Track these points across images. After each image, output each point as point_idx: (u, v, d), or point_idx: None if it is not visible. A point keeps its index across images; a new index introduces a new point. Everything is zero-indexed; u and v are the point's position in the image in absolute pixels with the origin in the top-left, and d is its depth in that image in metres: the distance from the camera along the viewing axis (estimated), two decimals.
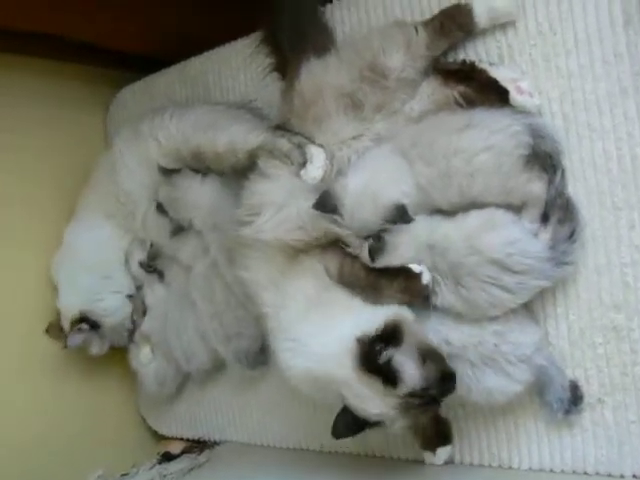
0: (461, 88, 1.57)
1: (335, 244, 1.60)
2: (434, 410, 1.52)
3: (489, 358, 1.48)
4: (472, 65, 1.58)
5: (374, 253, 1.53)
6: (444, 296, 1.49)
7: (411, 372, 1.39)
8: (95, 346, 2.14)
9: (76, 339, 2.07)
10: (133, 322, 2.18)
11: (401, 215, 1.50)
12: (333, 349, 1.44)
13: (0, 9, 1.80)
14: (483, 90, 1.56)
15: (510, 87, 1.52)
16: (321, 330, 1.49)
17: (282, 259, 1.64)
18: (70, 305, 2.07)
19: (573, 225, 1.45)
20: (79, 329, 2.06)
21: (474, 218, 1.48)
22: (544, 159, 1.45)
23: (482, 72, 1.56)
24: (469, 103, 1.57)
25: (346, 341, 1.41)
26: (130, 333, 2.19)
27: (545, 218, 1.46)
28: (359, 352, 1.40)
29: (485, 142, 1.45)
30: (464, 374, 1.49)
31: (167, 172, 1.97)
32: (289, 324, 1.55)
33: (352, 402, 1.42)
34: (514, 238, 1.43)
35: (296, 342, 1.52)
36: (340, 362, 1.42)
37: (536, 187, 1.45)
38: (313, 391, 1.53)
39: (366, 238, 1.54)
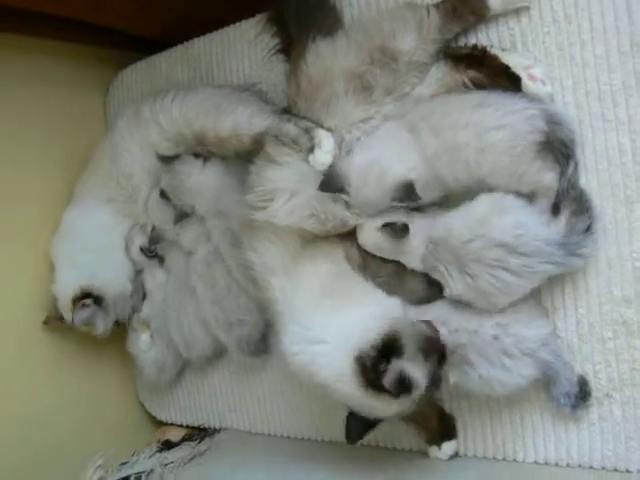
0: (471, 73, 1.55)
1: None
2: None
3: (483, 349, 1.46)
4: (484, 50, 1.55)
5: (391, 233, 1.52)
6: (452, 287, 1.47)
7: (419, 374, 1.39)
8: (100, 323, 2.06)
9: (82, 315, 2.01)
10: (135, 297, 2.15)
11: (409, 193, 1.49)
12: (335, 360, 1.42)
13: None
14: (494, 76, 1.53)
15: (522, 74, 1.49)
16: (326, 326, 1.47)
17: (295, 243, 1.62)
18: (68, 284, 2.02)
19: (590, 218, 1.42)
20: (83, 304, 2.01)
21: (482, 204, 1.46)
22: (558, 148, 1.41)
23: (494, 58, 1.53)
24: (479, 88, 1.54)
25: (346, 354, 1.40)
26: (133, 307, 2.15)
27: (556, 209, 1.43)
28: (362, 373, 1.38)
29: (499, 121, 1.43)
30: (460, 360, 1.49)
31: (166, 159, 1.93)
32: (298, 310, 1.53)
33: (361, 412, 1.45)
34: (523, 221, 1.41)
35: (302, 331, 1.49)
36: (344, 380, 1.41)
37: (547, 177, 1.42)
38: (312, 384, 1.52)
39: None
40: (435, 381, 1.44)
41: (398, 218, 1.53)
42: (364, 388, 1.39)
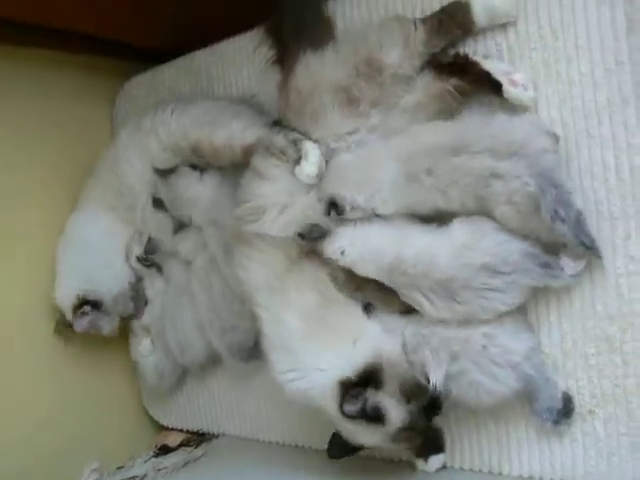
0: (454, 81, 1.54)
1: None
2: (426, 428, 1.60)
3: (475, 358, 1.48)
4: (465, 58, 1.55)
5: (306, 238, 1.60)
6: (431, 313, 1.49)
7: (395, 411, 1.47)
8: (105, 325, 2.12)
9: (82, 323, 2.06)
10: (136, 301, 2.19)
11: (332, 212, 1.58)
12: (325, 384, 1.51)
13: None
14: (477, 83, 1.53)
15: (503, 79, 1.49)
16: (319, 356, 1.55)
17: (281, 263, 1.65)
18: (66, 294, 2.07)
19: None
20: (82, 312, 2.05)
21: (461, 230, 1.46)
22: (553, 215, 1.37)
23: (475, 65, 1.53)
24: (463, 96, 1.54)
25: (333, 380, 1.49)
26: (135, 306, 2.19)
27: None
28: (340, 397, 1.47)
29: (508, 197, 1.39)
30: (450, 369, 1.50)
31: (163, 173, 1.97)
32: (286, 339, 1.59)
33: (344, 434, 1.55)
34: (500, 239, 1.42)
35: (296, 364, 1.57)
36: (329, 401, 1.50)
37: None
38: (307, 405, 1.60)
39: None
40: (417, 424, 1.51)
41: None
42: (339, 414, 1.48)
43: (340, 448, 1.60)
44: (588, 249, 1.38)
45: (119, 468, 2.09)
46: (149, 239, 2.10)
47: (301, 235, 1.60)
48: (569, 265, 1.43)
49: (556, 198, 1.34)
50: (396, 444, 1.54)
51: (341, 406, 1.46)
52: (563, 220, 1.34)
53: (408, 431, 1.49)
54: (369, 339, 1.54)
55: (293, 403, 1.63)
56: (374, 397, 1.46)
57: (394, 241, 1.53)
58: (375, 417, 1.45)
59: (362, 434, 1.52)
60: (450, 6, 1.57)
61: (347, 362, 1.50)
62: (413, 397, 1.47)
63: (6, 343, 2.02)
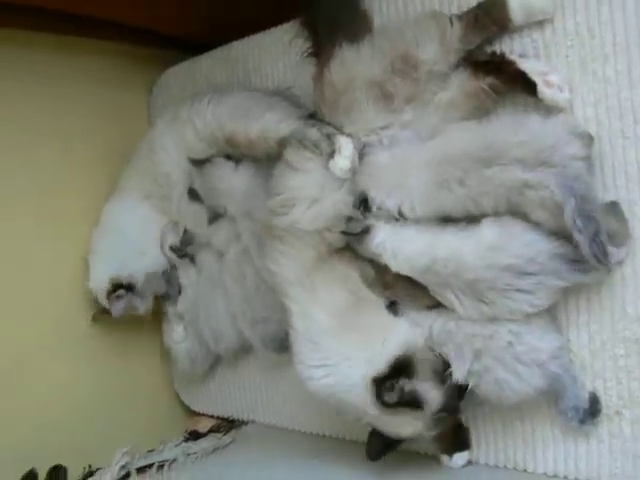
0: (489, 80, 1.53)
1: None
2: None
3: (499, 355, 1.48)
4: (502, 56, 1.54)
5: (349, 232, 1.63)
6: (462, 313, 1.50)
7: (431, 393, 1.50)
8: (141, 305, 2.16)
9: (118, 306, 2.10)
10: (170, 288, 2.23)
11: (361, 208, 1.60)
12: (357, 384, 1.54)
13: None
14: (511, 83, 1.52)
15: (538, 80, 1.47)
16: (348, 354, 1.57)
17: (311, 259, 1.67)
18: (100, 280, 2.11)
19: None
20: (117, 296, 2.09)
21: (490, 230, 1.46)
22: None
23: (511, 64, 1.51)
24: (498, 95, 1.54)
25: (365, 378, 1.52)
26: (168, 278, 2.22)
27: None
28: (376, 391, 1.50)
29: (541, 203, 1.39)
30: (474, 366, 1.52)
31: (198, 163, 2.00)
32: (317, 335, 1.62)
33: (383, 429, 1.57)
34: (528, 240, 1.42)
35: (324, 360, 1.60)
36: (364, 399, 1.53)
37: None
38: (334, 406, 1.65)
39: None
40: (452, 404, 1.55)
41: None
42: (379, 407, 1.51)
43: (379, 448, 1.61)
44: (600, 264, 1.34)
45: (150, 451, 2.13)
46: (185, 230, 2.13)
47: (344, 232, 1.64)
48: (612, 253, 1.39)
49: (576, 208, 1.32)
50: (434, 429, 1.56)
51: (379, 399, 1.49)
52: (580, 231, 1.32)
53: (445, 412, 1.53)
54: (397, 335, 1.56)
55: (316, 397, 1.66)
56: (409, 385, 1.49)
57: (428, 244, 1.53)
58: (413, 402, 1.49)
59: (403, 424, 1.54)
60: (486, 2, 1.55)
61: (377, 360, 1.52)
62: (447, 377, 1.52)
63: (43, 331, 2.08)
